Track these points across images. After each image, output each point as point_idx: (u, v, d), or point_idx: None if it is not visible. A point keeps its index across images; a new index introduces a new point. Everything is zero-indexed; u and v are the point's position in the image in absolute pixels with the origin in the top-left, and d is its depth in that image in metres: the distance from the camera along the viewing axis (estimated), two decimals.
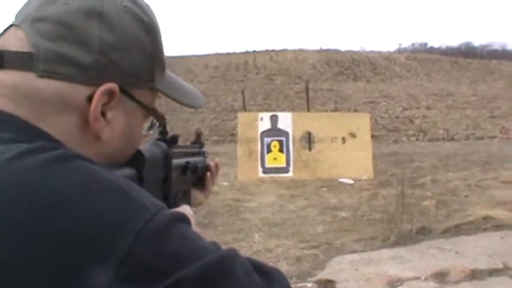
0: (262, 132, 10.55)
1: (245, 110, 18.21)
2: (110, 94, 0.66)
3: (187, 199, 1.09)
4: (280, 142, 10.54)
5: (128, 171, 0.76)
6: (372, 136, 11.77)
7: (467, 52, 74.32)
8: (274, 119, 10.68)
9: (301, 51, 49.77)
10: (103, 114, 0.66)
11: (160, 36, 0.75)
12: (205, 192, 1.23)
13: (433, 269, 4.36)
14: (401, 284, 4.14)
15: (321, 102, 28.41)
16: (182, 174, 1.03)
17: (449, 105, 28.50)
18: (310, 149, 10.98)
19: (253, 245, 5.51)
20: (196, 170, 1.12)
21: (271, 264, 0.84)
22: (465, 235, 5.41)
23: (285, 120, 10.69)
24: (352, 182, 9.81)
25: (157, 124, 0.89)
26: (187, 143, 1.29)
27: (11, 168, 0.54)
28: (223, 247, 0.62)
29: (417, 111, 27.29)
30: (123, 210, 0.55)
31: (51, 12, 0.64)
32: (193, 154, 1.16)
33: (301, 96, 25.71)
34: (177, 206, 0.94)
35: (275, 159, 10.50)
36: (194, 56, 51.20)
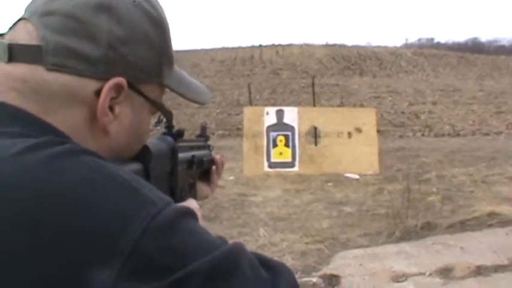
0: (268, 127, 10.54)
1: (251, 105, 18.17)
2: (118, 88, 0.66)
3: (193, 193, 1.09)
4: (286, 137, 10.53)
5: (135, 166, 0.76)
6: (378, 131, 11.74)
7: (474, 48, 73.91)
8: (280, 114, 10.67)
9: (308, 46, 49.61)
10: (111, 108, 0.67)
11: (169, 32, 0.75)
12: (211, 185, 1.23)
13: (438, 264, 4.36)
14: (405, 280, 4.14)
15: (327, 97, 28.36)
16: (188, 168, 1.03)
17: (456, 100, 28.39)
18: (316, 144, 10.98)
19: (259, 239, 5.52)
20: (201, 164, 1.12)
21: (276, 258, 0.85)
22: (470, 231, 5.41)
23: (291, 115, 10.66)
24: (357, 177, 9.79)
25: (164, 120, 0.89)
26: (193, 137, 1.29)
27: (18, 162, 0.55)
28: (229, 241, 0.63)
29: (423, 106, 27.19)
30: (130, 205, 0.55)
31: (60, 5, 0.64)
32: (198, 148, 1.16)
33: (307, 91, 25.68)
34: (183, 199, 0.94)
35: (281, 153, 10.49)
36: (200, 50, 51.16)
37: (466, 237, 5.16)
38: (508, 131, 21.97)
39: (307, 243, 5.34)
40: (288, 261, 4.60)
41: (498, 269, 4.24)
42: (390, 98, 29.10)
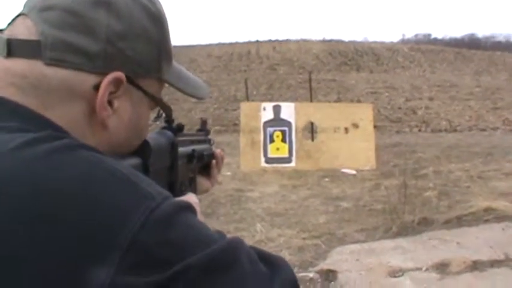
0: (265, 122, 10.52)
1: (248, 100, 18.11)
2: (117, 83, 0.66)
3: (193, 187, 1.10)
4: (283, 132, 10.52)
5: (134, 160, 0.76)
6: (375, 127, 11.72)
7: (471, 43, 73.98)
8: (277, 109, 10.65)
9: (305, 41, 49.55)
10: (110, 103, 0.67)
11: (168, 27, 0.75)
12: (211, 179, 1.23)
13: (434, 259, 4.37)
14: (402, 275, 4.15)
15: (324, 92, 28.33)
16: (188, 162, 1.03)
17: (453, 96, 28.40)
18: (312, 139, 10.98)
19: (255, 235, 5.53)
20: (202, 158, 1.12)
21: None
22: (467, 226, 5.42)
23: (288, 111, 10.65)
24: (354, 172, 9.80)
25: (163, 115, 0.89)
26: (193, 131, 1.29)
27: (16, 157, 0.55)
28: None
29: (420, 102, 27.19)
30: (129, 199, 0.55)
31: (59, 0, 0.65)
32: (199, 142, 1.16)
33: (304, 87, 25.63)
34: (183, 193, 0.94)
35: (278, 149, 10.49)
36: (197, 45, 51.01)
37: (462, 233, 5.17)
38: (505, 127, 21.99)
39: (304, 238, 5.35)
40: (285, 256, 4.60)
41: (494, 264, 4.25)
42: (387, 94, 29.09)
